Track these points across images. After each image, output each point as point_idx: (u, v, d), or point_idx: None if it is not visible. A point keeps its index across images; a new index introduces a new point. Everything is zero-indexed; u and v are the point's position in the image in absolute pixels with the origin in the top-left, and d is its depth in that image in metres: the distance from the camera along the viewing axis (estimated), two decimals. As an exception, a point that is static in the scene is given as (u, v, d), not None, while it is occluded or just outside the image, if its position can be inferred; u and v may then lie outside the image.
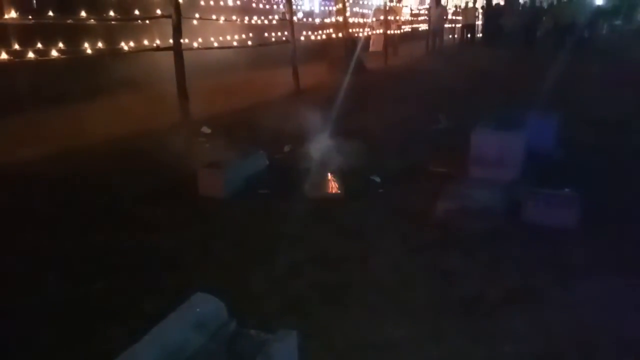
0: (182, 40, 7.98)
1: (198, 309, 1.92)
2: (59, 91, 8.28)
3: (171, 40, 7.92)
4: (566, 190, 4.22)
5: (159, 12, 8.50)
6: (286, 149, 6.27)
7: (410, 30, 24.62)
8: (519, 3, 25.90)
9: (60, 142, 6.64)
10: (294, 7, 11.50)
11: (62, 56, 6.93)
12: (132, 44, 8.04)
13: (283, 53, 11.45)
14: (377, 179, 5.36)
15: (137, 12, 8.59)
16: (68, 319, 2.97)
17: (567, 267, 3.48)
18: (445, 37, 24.56)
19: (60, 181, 5.35)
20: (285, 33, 11.41)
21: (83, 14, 7.37)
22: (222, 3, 11.68)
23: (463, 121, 5.92)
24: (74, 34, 7.62)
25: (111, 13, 8.05)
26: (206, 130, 7.18)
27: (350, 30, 15.59)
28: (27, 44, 6.78)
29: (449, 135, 6.69)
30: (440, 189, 4.74)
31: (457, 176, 4.96)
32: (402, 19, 23.65)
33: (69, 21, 7.51)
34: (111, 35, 8.49)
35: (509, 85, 10.93)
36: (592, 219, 4.06)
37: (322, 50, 14.78)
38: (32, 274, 3.52)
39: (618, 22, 21.13)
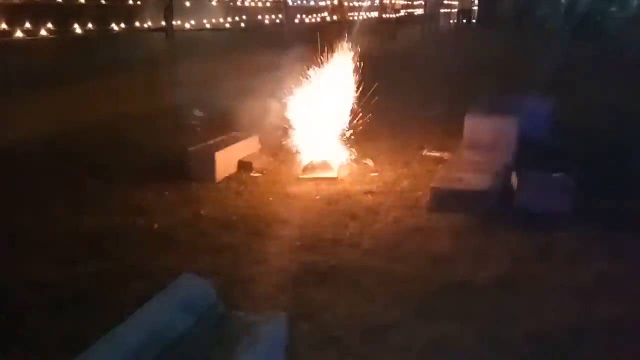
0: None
1: (185, 290, 1.89)
2: (48, 72, 8.13)
3: (163, 22, 7.80)
4: (559, 174, 4.21)
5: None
6: (196, 113, 6.36)
7: (406, 14, 24.41)
8: None
9: (50, 125, 6.54)
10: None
11: (51, 36, 6.80)
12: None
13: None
14: (370, 162, 5.33)
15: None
16: (56, 300, 2.94)
17: (558, 252, 3.49)
18: (441, 22, 24.41)
19: (50, 163, 5.29)
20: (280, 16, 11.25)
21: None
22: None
23: (457, 105, 5.88)
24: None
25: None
26: (198, 113, 7.09)
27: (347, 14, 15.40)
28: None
29: (443, 119, 6.65)
30: (433, 172, 4.74)
31: (450, 160, 4.94)
32: (400, 2, 23.42)
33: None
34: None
35: (503, 70, 10.87)
36: (584, 203, 4.06)
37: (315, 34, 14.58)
38: (22, 255, 3.48)
39: (613, 9, 21.06)
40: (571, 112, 6.57)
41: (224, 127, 5.63)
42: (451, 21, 27.74)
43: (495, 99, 5.59)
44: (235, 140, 5.31)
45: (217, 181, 4.81)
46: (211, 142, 5.19)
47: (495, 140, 4.66)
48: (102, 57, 8.97)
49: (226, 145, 5.10)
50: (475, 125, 4.79)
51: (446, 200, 4.13)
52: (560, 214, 3.88)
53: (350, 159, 5.25)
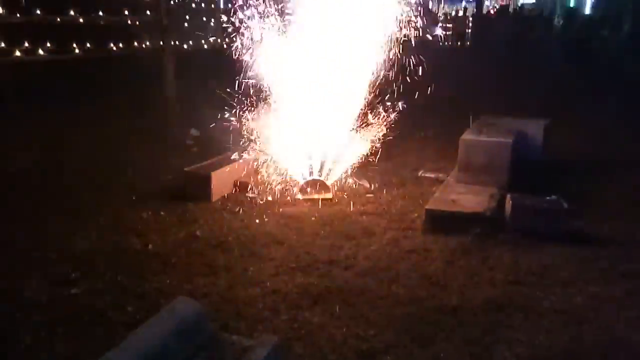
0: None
1: (178, 315, 1.89)
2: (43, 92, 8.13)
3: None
4: (552, 197, 4.23)
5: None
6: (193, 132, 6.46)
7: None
8: (510, 13, 26.18)
9: (46, 143, 6.55)
10: None
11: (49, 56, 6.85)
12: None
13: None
14: (366, 183, 5.36)
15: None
16: (49, 320, 2.92)
17: (551, 275, 3.50)
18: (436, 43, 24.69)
19: (47, 182, 5.28)
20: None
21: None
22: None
23: (452, 126, 5.92)
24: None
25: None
26: (195, 132, 7.12)
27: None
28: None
29: (439, 139, 6.70)
30: (428, 194, 4.76)
31: (445, 181, 4.97)
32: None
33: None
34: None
35: (497, 91, 10.98)
36: (577, 226, 4.10)
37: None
38: (16, 274, 3.46)
39: (604, 33, 21.39)
40: (564, 133, 6.63)
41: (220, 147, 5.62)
42: (447, 43, 28.07)
43: (489, 120, 5.65)
44: (232, 160, 5.32)
45: (212, 201, 4.82)
46: (207, 162, 5.21)
47: (489, 162, 4.69)
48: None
49: (222, 165, 5.12)
50: (470, 147, 4.83)
51: (441, 221, 4.15)
52: (552, 237, 3.90)
53: (347, 180, 5.29)
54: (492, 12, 27.79)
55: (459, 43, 24.54)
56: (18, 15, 7.11)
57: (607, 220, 4.32)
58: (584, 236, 4.02)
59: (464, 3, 25.71)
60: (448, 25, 26.83)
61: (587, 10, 24.98)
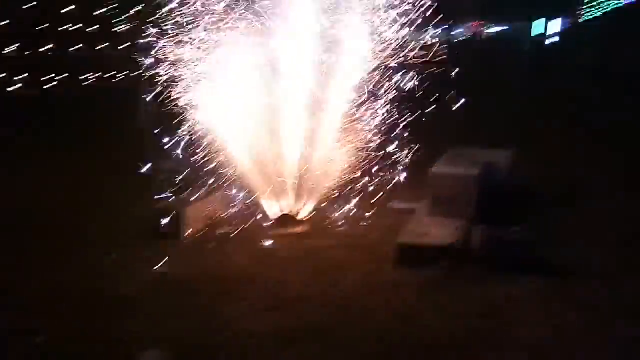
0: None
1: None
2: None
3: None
4: (518, 227, 4.34)
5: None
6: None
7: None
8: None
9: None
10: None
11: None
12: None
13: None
14: (339, 216, 5.40)
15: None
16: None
17: (517, 307, 3.58)
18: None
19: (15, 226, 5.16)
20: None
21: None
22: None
23: (423, 157, 6.01)
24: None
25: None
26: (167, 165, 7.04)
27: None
28: None
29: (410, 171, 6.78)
30: (400, 225, 4.82)
31: (416, 213, 5.05)
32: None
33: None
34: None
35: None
36: (543, 255, 4.20)
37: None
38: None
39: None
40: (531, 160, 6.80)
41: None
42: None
43: (459, 152, 5.76)
44: (206, 194, 5.31)
45: (184, 237, 4.80)
46: (180, 196, 5.18)
47: (457, 194, 4.79)
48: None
49: (196, 201, 5.11)
50: (440, 179, 4.93)
51: (411, 254, 4.21)
52: (518, 267, 3.99)
53: (318, 211, 5.32)
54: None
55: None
56: None
57: (571, 249, 4.43)
58: (548, 267, 4.11)
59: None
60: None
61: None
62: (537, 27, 33.68)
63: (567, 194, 5.76)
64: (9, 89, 6.44)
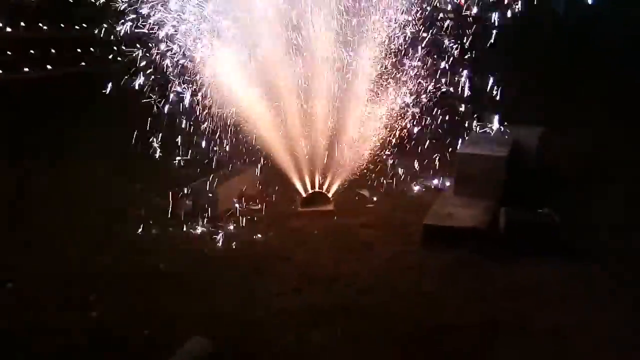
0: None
1: (192, 356, 2.06)
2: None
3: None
4: (545, 210, 4.38)
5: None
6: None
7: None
8: None
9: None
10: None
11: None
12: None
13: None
14: (366, 193, 5.51)
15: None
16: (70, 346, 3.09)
17: (544, 291, 3.67)
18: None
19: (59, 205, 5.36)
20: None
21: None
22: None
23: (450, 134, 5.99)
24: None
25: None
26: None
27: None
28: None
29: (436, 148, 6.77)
30: (426, 205, 4.90)
31: (442, 194, 5.12)
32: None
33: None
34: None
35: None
36: (569, 239, 4.25)
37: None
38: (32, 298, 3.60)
39: None
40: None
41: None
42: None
43: (486, 130, 5.75)
44: (235, 173, 5.46)
45: (217, 215, 4.97)
46: (210, 176, 5.31)
47: (484, 175, 4.83)
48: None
49: (227, 179, 5.26)
50: (466, 160, 4.97)
51: (438, 236, 4.32)
52: (545, 251, 4.06)
53: (347, 190, 5.42)
54: None
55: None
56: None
57: (597, 232, 4.47)
58: (576, 250, 4.17)
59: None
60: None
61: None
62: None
63: (597, 175, 5.71)
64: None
